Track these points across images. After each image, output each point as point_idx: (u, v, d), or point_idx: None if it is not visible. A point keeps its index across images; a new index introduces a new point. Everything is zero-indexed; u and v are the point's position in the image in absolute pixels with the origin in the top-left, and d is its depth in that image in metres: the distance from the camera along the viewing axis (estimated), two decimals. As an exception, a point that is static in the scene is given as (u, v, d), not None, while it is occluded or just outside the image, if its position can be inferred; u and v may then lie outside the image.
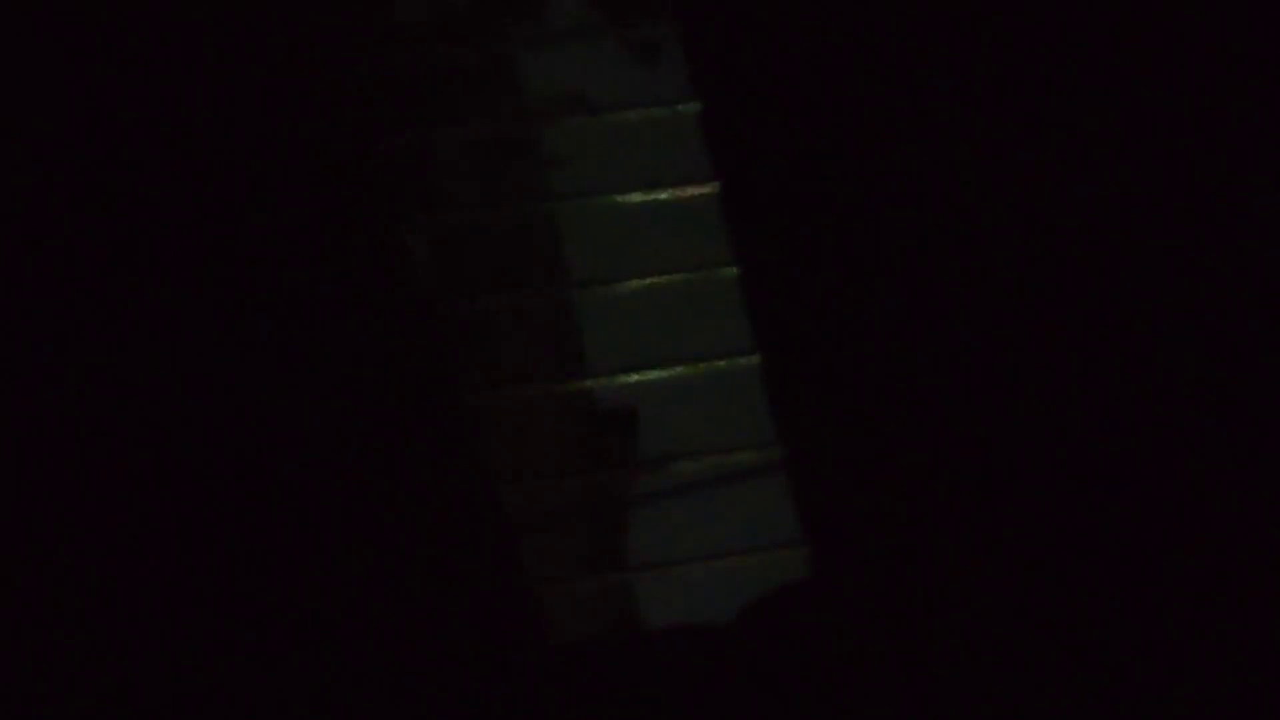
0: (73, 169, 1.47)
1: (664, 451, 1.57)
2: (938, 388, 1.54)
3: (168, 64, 1.49)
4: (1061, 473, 1.52)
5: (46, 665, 1.42)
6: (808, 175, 1.57)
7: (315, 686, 1.46)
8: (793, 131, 1.57)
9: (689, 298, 1.58)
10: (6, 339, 1.45)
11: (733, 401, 1.57)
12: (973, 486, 1.53)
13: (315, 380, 1.49)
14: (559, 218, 1.58)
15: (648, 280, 1.58)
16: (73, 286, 1.46)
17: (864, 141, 1.57)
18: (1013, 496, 1.52)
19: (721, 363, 1.57)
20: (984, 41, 1.56)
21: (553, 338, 1.58)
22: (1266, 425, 1.54)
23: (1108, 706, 1.51)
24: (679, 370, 1.57)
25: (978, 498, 1.53)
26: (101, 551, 1.44)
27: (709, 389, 1.57)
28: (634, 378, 1.57)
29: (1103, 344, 1.54)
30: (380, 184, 1.54)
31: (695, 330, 1.58)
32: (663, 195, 1.58)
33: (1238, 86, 1.56)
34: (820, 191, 1.57)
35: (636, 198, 1.58)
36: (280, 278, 1.50)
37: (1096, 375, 1.53)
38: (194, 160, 1.49)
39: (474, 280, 1.56)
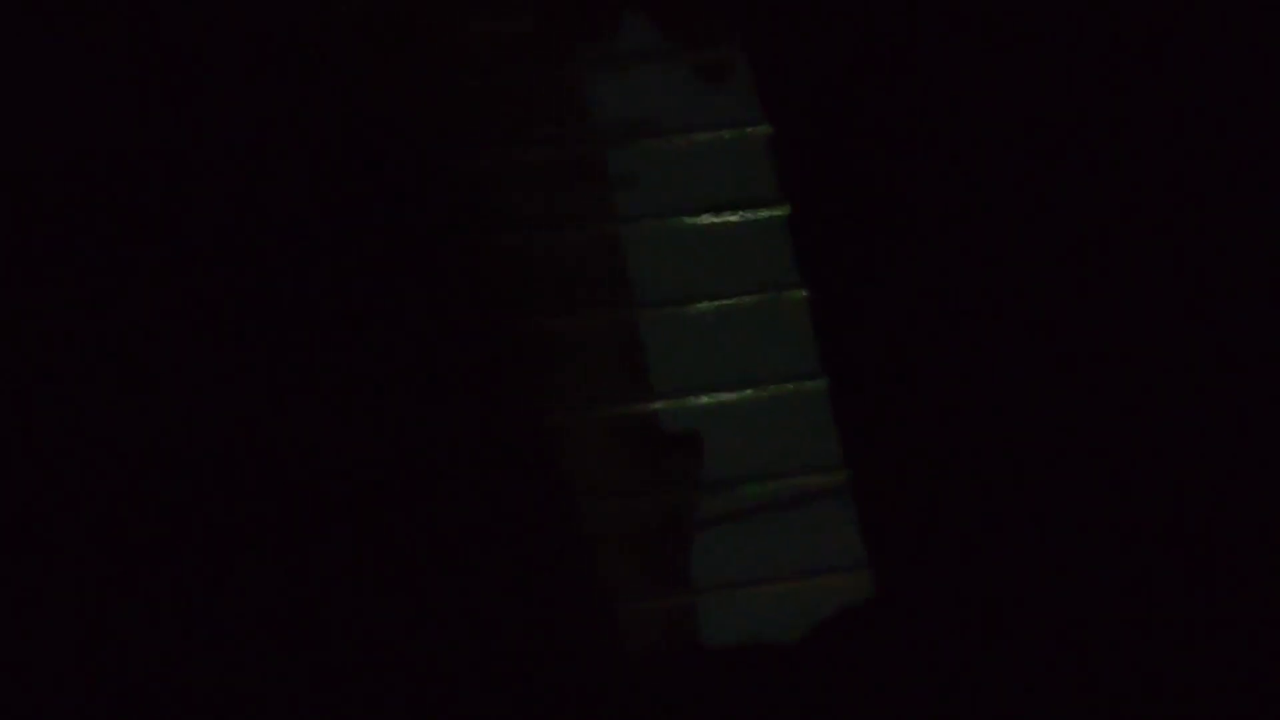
0: (162, 179, 1.49)
1: (730, 473, 1.58)
2: (1006, 413, 1.55)
3: (244, 86, 1.51)
4: (1139, 498, 1.52)
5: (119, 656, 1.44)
6: (877, 198, 1.58)
7: (389, 696, 1.47)
8: (862, 155, 1.58)
9: (757, 320, 1.59)
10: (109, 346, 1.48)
11: (800, 424, 1.58)
12: (1042, 511, 1.54)
13: (390, 400, 1.50)
14: (628, 239, 1.59)
15: (716, 303, 1.58)
16: (162, 307, 1.47)
17: (934, 165, 1.57)
18: (1084, 523, 1.53)
19: (789, 386, 1.57)
20: (1058, 66, 1.57)
21: (621, 359, 1.58)
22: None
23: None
24: (746, 393, 1.57)
25: (1046, 523, 1.54)
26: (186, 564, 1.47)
27: (776, 412, 1.58)
28: (702, 400, 1.57)
29: (1187, 370, 1.54)
30: (451, 206, 1.55)
31: (763, 353, 1.58)
32: (732, 218, 1.59)
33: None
34: (889, 215, 1.57)
35: (705, 220, 1.59)
36: (354, 299, 1.50)
37: (1177, 402, 1.54)
38: (267, 183, 1.50)
39: (543, 301, 1.57)
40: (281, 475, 1.50)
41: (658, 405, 1.58)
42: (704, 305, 1.58)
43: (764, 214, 1.58)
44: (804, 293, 1.58)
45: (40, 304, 1.47)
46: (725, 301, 1.58)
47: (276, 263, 1.52)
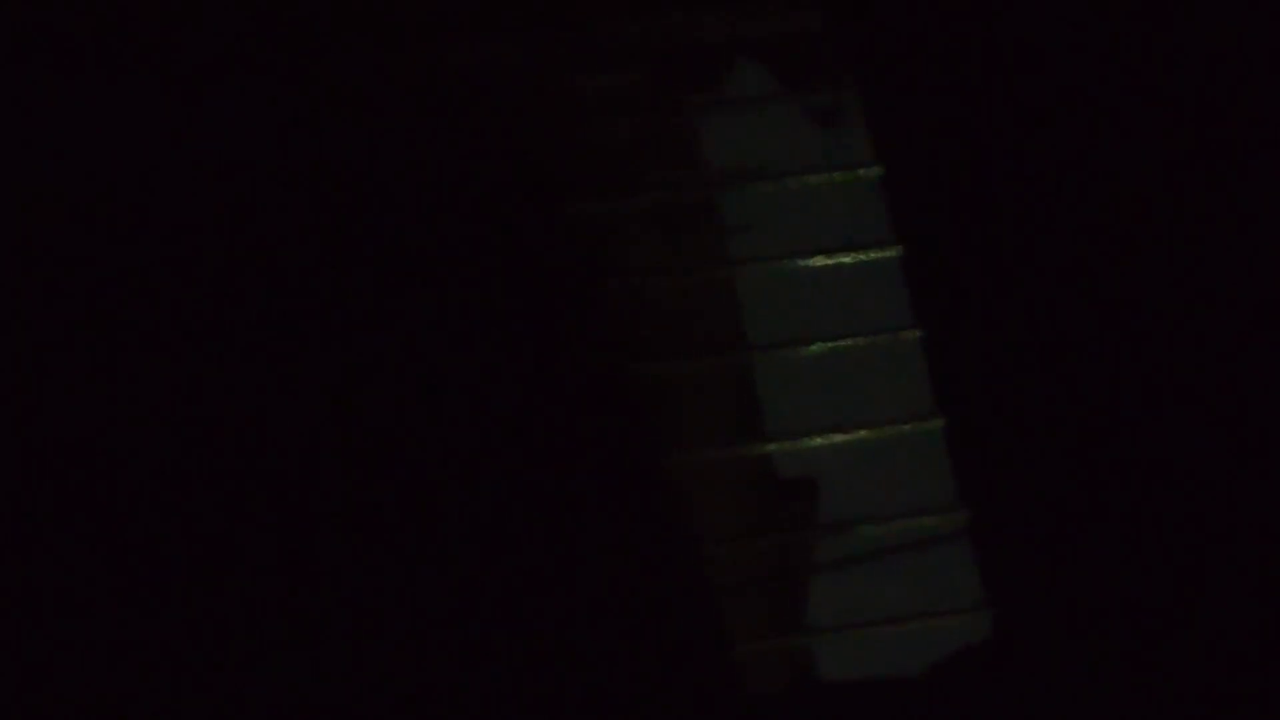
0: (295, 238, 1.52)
1: (847, 515, 1.58)
2: (1125, 451, 1.54)
3: (365, 141, 1.53)
4: (1268, 539, 1.51)
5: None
6: (989, 237, 1.57)
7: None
8: (973, 194, 1.58)
9: (871, 361, 1.59)
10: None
11: (916, 465, 1.58)
12: (1163, 551, 1.53)
13: (508, 445, 1.51)
14: (741, 283, 1.60)
15: (830, 344, 1.58)
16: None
17: (1045, 203, 1.57)
18: (1207, 560, 1.52)
19: (905, 426, 1.57)
20: (1165, 102, 1.56)
21: (735, 402, 1.59)
22: None
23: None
24: (862, 434, 1.57)
25: (1168, 562, 1.53)
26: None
27: (892, 453, 1.58)
28: (817, 441, 1.57)
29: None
30: (567, 252, 1.56)
31: (877, 394, 1.58)
32: (844, 259, 1.59)
33: None
34: (1002, 253, 1.57)
35: (818, 262, 1.59)
36: (473, 345, 1.52)
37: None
38: (389, 232, 1.52)
39: (659, 345, 1.58)
40: (404, 519, 1.52)
41: (773, 448, 1.58)
42: (817, 347, 1.58)
43: (876, 255, 1.59)
44: (918, 333, 1.58)
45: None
46: (839, 343, 1.58)
47: (399, 307, 1.54)
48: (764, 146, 1.60)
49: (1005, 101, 1.57)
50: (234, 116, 1.52)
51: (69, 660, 1.46)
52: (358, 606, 1.49)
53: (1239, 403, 1.54)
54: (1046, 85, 1.57)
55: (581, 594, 1.53)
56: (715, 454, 1.58)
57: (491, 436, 1.54)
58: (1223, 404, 1.54)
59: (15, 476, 1.47)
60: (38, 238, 1.50)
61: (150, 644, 1.47)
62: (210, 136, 1.51)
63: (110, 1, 1.49)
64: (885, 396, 1.58)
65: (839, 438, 1.57)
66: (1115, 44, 1.56)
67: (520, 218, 1.56)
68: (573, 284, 1.57)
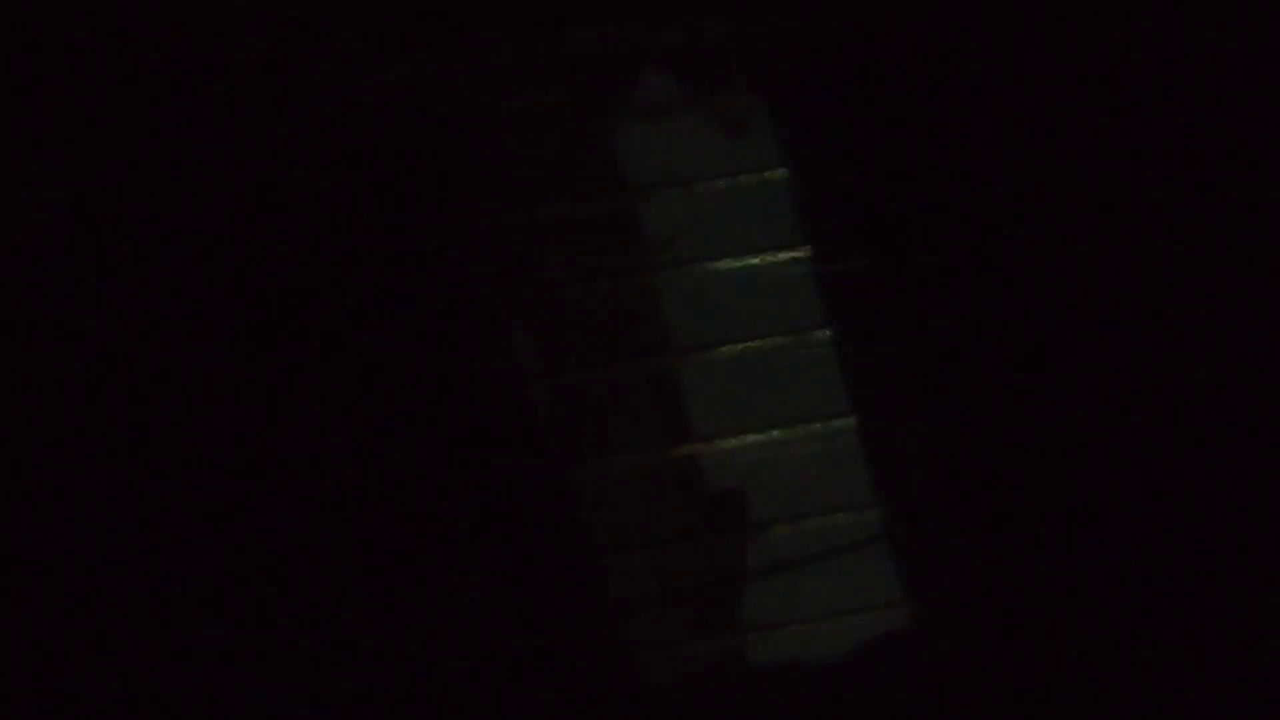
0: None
1: (763, 515, 1.60)
2: (1038, 445, 1.55)
3: (282, 160, 1.53)
4: (1185, 530, 1.52)
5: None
6: (896, 235, 1.57)
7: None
8: (879, 196, 1.57)
9: (782, 361, 1.59)
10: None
11: (830, 464, 1.59)
12: (1078, 543, 1.54)
13: (430, 457, 1.53)
14: (652, 287, 1.60)
15: (741, 345, 1.59)
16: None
17: (953, 204, 1.56)
18: (1121, 556, 1.53)
19: (818, 426, 1.58)
20: (1078, 106, 1.54)
21: (650, 406, 1.60)
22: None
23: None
24: (776, 434, 1.59)
25: (1083, 555, 1.54)
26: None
27: (806, 452, 1.59)
28: (731, 443, 1.59)
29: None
30: (480, 262, 1.57)
31: (790, 393, 1.59)
32: (753, 261, 1.59)
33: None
34: (909, 250, 1.57)
35: (727, 264, 1.59)
36: (393, 356, 1.53)
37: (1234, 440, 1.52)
38: (310, 247, 1.53)
39: (573, 353, 1.59)
40: (316, 529, 1.54)
41: (688, 450, 1.60)
42: (729, 349, 1.59)
43: (785, 256, 1.58)
44: (828, 332, 1.58)
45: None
46: (750, 344, 1.59)
47: (320, 322, 1.55)
48: (672, 152, 1.60)
49: (907, 99, 1.55)
50: (147, 133, 1.52)
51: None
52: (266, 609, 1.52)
53: (1168, 382, 1.54)
54: (947, 81, 1.55)
55: (503, 600, 1.56)
56: (631, 459, 1.60)
57: (413, 447, 1.56)
58: (1147, 386, 1.54)
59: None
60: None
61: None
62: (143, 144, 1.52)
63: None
64: (797, 396, 1.59)
65: (752, 438, 1.59)
66: (1016, 39, 1.54)
67: (438, 230, 1.57)
68: (491, 295, 1.58)
